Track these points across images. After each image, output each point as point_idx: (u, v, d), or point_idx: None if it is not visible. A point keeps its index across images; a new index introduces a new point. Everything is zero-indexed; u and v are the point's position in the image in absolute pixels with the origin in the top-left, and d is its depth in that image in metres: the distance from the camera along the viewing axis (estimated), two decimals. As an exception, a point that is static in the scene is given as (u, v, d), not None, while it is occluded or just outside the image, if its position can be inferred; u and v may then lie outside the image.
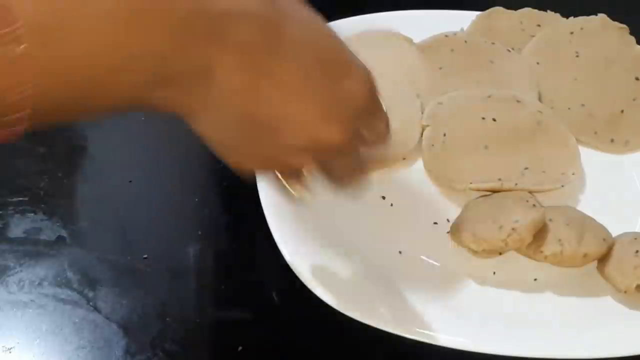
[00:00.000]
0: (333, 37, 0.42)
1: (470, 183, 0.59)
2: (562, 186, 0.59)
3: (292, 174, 0.46)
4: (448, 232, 0.58)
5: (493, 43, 0.68)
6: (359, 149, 0.45)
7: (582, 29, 0.69)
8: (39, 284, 0.55)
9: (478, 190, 0.59)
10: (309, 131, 0.41)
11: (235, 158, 0.42)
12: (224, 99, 0.38)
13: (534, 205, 0.55)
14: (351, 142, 0.43)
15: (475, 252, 0.54)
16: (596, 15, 0.70)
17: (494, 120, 0.62)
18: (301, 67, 0.40)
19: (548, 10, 0.72)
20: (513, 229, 0.53)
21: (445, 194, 0.60)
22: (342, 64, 0.42)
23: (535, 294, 0.55)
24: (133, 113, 0.67)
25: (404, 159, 0.62)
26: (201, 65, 0.37)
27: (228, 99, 0.39)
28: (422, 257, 0.57)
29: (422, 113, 0.63)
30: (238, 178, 0.61)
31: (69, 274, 0.55)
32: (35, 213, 0.59)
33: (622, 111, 0.66)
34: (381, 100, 0.44)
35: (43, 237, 0.58)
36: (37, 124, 0.34)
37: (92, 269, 0.56)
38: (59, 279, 0.55)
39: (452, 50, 0.68)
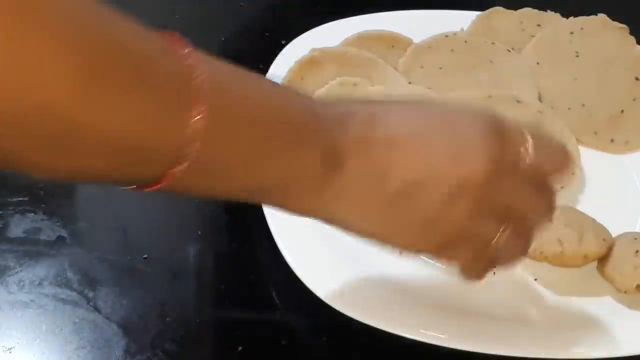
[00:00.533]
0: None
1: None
2: (562, 187, 0.59)
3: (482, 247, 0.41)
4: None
5: (493, 43, 0.68)
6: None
7: (582, 29, 0.69)
8: (39, 284, 0.55)
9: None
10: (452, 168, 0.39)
11: (392, 235, 0.42)
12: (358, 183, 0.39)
13: None
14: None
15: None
16: (596, 15, 0.70)
17: (494, 120, 0.62)
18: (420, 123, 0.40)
19: (548, 10, 0.72)
20: None
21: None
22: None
23: (535, 294, 0.55)
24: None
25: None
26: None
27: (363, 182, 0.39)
28: (422, 257, 0.57)
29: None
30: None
31: (69, 274, 0.55)
32: (35, 213, 0.59)
33: (622, 111, 0.66)
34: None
35: (43, 237, 0.58)
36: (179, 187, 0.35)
37: (92, 269, 0.56)
38: (59, 279, 0.55)
39: (452, 50, 0.68)
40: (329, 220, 0.40)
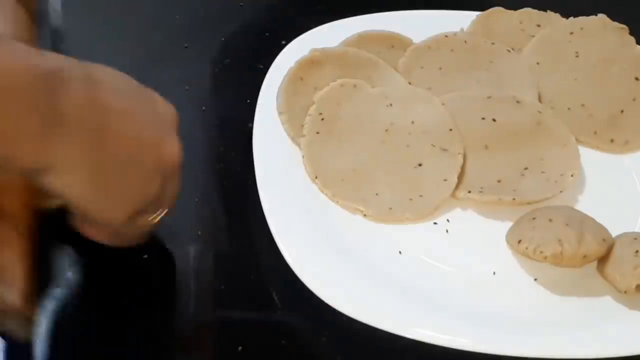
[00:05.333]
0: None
1: (469, 192, 0.59)
2: (561, 192, 0.59)
3: (154, 205, 0.49)
4: (447, 231, 0.58)
5: (493, 43, 0.68)
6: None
7: (582, 29, 0.69)
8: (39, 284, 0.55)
9: (475, 200, 0.59)
10: (155, 151, 0.47)
11: (98, 201, 0.46)
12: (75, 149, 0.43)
13: None
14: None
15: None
16: (596, 15, 0.70)
17: (494, 120, 0.62)
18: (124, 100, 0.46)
19: (548, 10, 0.72)
20: None
21: (445, 194, 0.60)
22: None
23: (535, 294, 0.55)
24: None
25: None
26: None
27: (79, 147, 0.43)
28: (422, 257, 0.57)
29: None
30: (238, 178, 0.62)
31: (69, 274, 0.55)
32: (35, 213, 0.59)
33: (622, 111, 0.66)
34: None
35: (43, 236, 0.57)
36: None
37: (92, 269, 0.56)
38: (59, 278, 0.55)
39: (452, 50, 0.68)
40: (44, 171, 0.42)
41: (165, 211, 0.51)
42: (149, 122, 0.47)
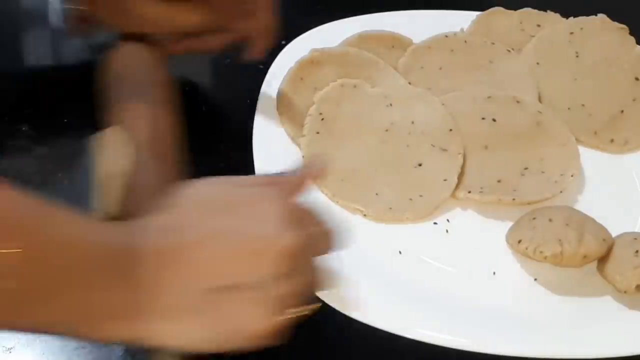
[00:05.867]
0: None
1: (469, 192, 0.59)
2: (561, 192, 0.59)
3: (289, 301, 0.43)
4: (447, 231, 0.58)
5: (493, 43, 0.68)
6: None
7: (582, 29, 0.69)
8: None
9: (475, 200, 0.59)
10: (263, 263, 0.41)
11: (230, 334, 0.42)
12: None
13: None
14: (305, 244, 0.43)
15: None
16: (596, 15, 0.70)
17: (494, 120, 0.62)
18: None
19: (548, 10, 0.72)
20: None
21: (445, 194, 0.60)
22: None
23: (535, 294, 0.55)
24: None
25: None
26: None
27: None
28: (422, 257, 0.57)
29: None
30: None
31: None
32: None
33: (622, 111, 0.66)
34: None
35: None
36: None
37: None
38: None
39: (452, 50, 0.68)
40: (145, 339, 0.41)
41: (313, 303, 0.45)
42: (249, 238, 0.42)
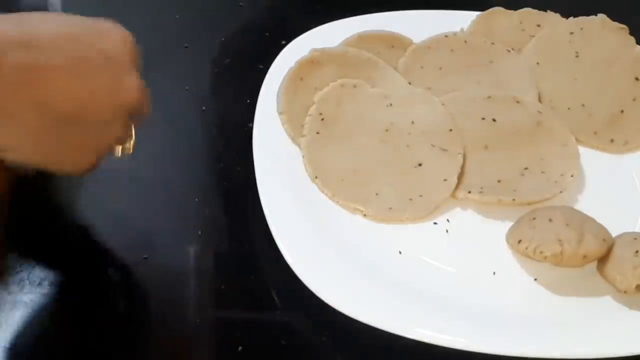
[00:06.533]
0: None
1: (469, 192, 0.59)
2: (561, 192, 0.59)
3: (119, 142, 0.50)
4: (447, 231, 0.58)
5: (493, 43, 0.68)
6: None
7: (582, 29, 0.69)
8: (39, 284, 0.55)
9: (475, 200, 0.59)
10: (109, 98, 0.47)
11: (60, 161, 0.47)
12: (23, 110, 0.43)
13: None
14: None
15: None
16: (596, 15, 0.70)
17: (494, 120, 0.62)
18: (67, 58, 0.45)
19: (548, 10, 0.72)
20: None
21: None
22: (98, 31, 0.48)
23: (535, 294, 0.55)
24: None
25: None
26: None
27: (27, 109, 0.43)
28: (422, 257, 0.57)
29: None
30: (238, 178, 0.62)
31: (70, 275, 0.55)
32: (35, 213, 0.59)
33: (622, 111, 0.66)
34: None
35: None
36: None
37: (91, 269, 0.56)
38: (59, 279, 0.55)
39: (452, 50, 0.68)
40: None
41: (132, 140, 0.51)
42: (98, 68, 0.46)
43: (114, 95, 0.47)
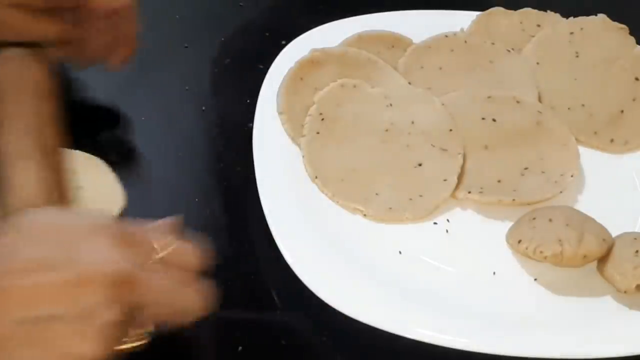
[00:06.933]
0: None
1: (469, 192, 0.59)
2: (561, 192, 0.59)
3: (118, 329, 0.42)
4: (447, 231, 0.58)
5: (493, 43, 0.68)
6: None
7: (582, 29, 0.69)
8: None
9: (475, 200, 0.59)
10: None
11: None
12: None
13: None
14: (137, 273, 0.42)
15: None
16: (596, 15, 0.70)
17: (494, 120, 0.62)
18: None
19: (548, 10, 0.72)
20: None
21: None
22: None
23: (535, 294, 0.55)
24: (134, 114, 0.67)
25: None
26: None
27: None
28: (422, 257, 0.57)
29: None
30: (238, 178, 0.62)
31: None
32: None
33: (622, 111, 0.66)
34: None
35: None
36: None
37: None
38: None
39: (452, 50, 0.68)
40: None
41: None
42: (75, 267, 0.40)
43: (87, 277, 0.40)
